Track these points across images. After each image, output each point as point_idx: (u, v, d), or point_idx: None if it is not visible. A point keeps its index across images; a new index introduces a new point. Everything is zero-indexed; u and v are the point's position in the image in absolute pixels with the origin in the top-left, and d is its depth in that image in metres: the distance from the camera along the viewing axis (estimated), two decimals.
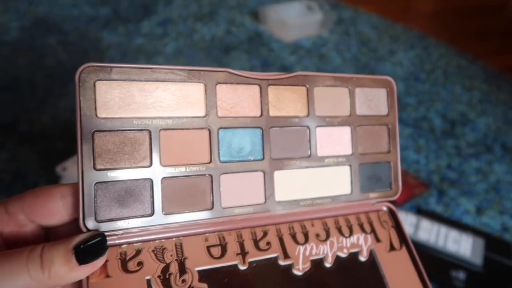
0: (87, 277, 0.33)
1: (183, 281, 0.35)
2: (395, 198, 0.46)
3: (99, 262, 0.32)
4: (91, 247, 0.32)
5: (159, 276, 0.35)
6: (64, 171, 0.75)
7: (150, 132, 0.36)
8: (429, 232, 0.83)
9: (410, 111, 1.19)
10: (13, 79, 1.00)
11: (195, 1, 1.43)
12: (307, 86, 0.42)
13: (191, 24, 1.32)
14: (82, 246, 0.31)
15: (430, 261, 0.79)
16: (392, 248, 0.44)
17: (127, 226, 0.35)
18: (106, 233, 0.34)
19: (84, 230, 0.33)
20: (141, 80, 0.35)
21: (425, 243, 0.81)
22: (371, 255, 0.43)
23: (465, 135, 1.15)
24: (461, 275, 0.77)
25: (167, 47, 1.22)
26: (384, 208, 0.47)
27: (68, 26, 1.20)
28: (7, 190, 0.78)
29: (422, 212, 0.90)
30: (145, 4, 1.36)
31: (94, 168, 0.34)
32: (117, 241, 0.35)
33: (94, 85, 0.34)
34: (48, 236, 0.36)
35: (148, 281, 0.34)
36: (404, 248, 0.44)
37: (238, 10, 1.44)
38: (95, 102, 0.34)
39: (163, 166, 0.36)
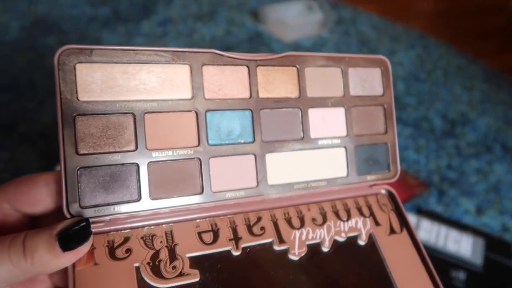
0: (73, 265, 0.32)
1: (174, 267, 0.34)
2: (394, 180, 0.45)
3: (83, 249, 0.31)
4: (75, 233, 0.31)
5: (148, 263, 0.34)
6: None
7: (134, 115, 0.35)
8: (429, 232, 0.83)
9: (410, 111, 1.18)
10: (13, 79, 0.99)
11: (195, 1, 1.42)
12: (298, 66, 0.41)
13: (191, 24, 1.32)
14: (65, 233, 0.30)
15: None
16: (392, 231, 0.43)
17: (113, 212, 0.34)
18: (92, 220, 0.33)
19: (68, 216, 0.32)
20: (123, 62, 0.34)
21: (425, 243, 0.80)
22: (371, 238, 0.42)
23: (465, 135, 1.14)
24: (461, 275, 0.76)
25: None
26: (383, 191, 0.46)
27: (68, 26, 1.19)
28: None
29: (422, 212, 0.89)
30: (145, 4, 1.35)
31: (77, 153, 0.33)
32: (105, 228, 0.34)
33: (74, 68, 0.33)
34: (35, 226, 0.36)
35: (137, 268, 0.33)
36: (405, 231, 0.43)
37: (238, 10, 1.43)
38: (76, 86, 0.33)
39: (149, 150, 0.35)
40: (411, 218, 0.84)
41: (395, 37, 1.52)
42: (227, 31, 1.33)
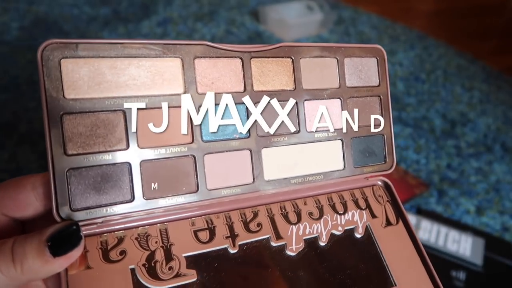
0: (66, 269, 0.31)
1: (170, 268, 0.33)
2: (390, 171, 0.44)
3: (75, 254, 0.30)
4: (65, 238, 0.30)
5: (144, 265, 0.33)
6: None
7: (124, 112, 0.33)
8: (429, 232, 0.82)
9: (410, 111, 1.17)
10: (13, 79, 0.99)
11: (195, 1, 1.42)
12: (293, 57, 0.40)
13: (191, 24, 1.31)
14: (55, 237, 0.29)
15: (430, 261, 0.78)
16: (388, 223, 0.42)
17: (105, 214, 0.33)
18: (84, 222, 0.32)
19: (58, 220, 0.31)
20: (111, 57, 0.33)
21: (425, 243, 0.80)
22: (367, 231, 0.41)
23: (465, 135, 1.14)
24: (461, 275, 0.76)
25: None
26: (379, 183, 0.45)
27: (68, 26, 1.19)
28: None
29: (422, 212, 0.89)
30: (145, 4, 1.35)
31: (65, 153, 0.32)
32: (97, 230, 0.33)
33: (59, 64, 0.31)
34: (25, 229, 0.35)
35: (133, 270, 0.32)
36: (400, 223, 0.43)
37: (238, 10, 1.43)
38: (61, 82, 0.32)
39: (141, 148, 0.34)
40: (411, 218, 0.84)
41: (395, 37, 1.52)
42: (227, 31, 1.32)
